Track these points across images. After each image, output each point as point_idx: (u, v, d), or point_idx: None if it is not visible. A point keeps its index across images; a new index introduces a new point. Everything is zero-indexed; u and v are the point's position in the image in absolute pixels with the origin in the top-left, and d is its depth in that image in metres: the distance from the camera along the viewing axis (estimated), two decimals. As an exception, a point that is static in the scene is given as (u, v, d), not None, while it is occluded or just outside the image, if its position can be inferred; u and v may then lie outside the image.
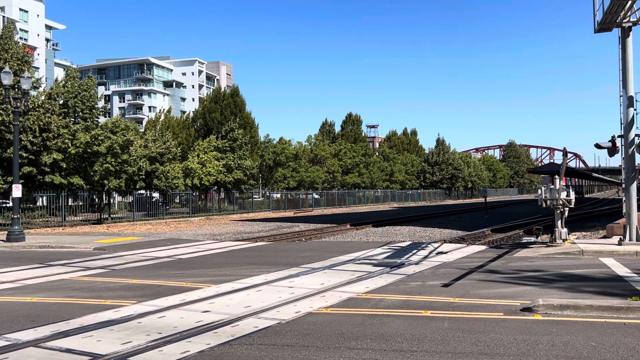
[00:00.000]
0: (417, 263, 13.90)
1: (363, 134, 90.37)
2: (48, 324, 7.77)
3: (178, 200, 49.76)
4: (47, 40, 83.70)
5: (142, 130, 52.31)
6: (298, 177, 61.56)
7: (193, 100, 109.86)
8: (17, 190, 20.67)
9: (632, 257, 14.27)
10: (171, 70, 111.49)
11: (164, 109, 65.62)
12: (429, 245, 18.56)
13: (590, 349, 6.29)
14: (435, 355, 6.15)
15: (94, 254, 17.28)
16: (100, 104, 42.10)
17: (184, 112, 72.45)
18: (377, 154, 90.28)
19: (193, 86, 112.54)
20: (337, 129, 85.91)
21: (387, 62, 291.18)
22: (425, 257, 15.24)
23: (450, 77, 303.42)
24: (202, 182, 43.76)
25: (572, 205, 16.75)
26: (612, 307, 7.97)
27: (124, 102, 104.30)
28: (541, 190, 16.70)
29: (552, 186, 16.47)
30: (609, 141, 16.69)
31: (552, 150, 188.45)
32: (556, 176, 16.93)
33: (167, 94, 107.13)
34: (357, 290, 10.06)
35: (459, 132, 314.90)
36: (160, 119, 59.93)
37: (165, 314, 8.30)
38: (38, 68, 71.42)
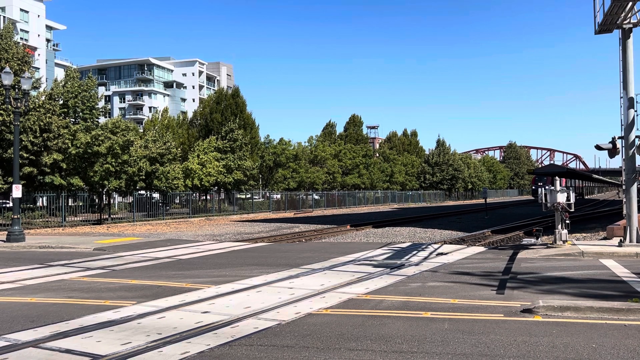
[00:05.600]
0: (417, 264, 13.90)
1: (364, 135, 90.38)
2: (48, 324, 7.76)
3: (178, 201, 49.73)
4: (48, 40, 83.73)
5: (142, 130, 52.25)
6: (298, 178, 61.54)
7: (193, 100, 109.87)
8: (17, 191, 20.66)
9: (633, 259, 14.26)
10: (171, 70, 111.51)
11: (160, 110, 65.68)
12: (429, 247, 18.55)
13: (590, 351, 6.28)
14: (435, 356, 6.14)
15: (94, 254, 17.27)
16: (101, 104, 42.11)
17: (184, 113, 72.41)
18: (377, 154, 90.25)
19: (193, 87, 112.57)
20: (340, 130, 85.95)
21: (387, 63, 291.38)
22: (425, 258, 15.23)
23: (451, 78, 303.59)
24: (202, 182, 43.75)
25: (572, 210, 16.74)
26: (613, 308, 7.96)
27: (124, 102, 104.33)
28: (541, 192, 16.69)
29: (552, 188, 16.47)
30: (610, 142, 16.69)
31: (552, 151, 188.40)
32: (556, 177, 16.92)
33: (168, 95, 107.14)
34: (357, 291, 10.05)
35: (459, 133, 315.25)
36: (158, 119, 59.92)
37: (165, 315, 8.29)
38: (38, 68, 71.44)
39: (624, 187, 17.02)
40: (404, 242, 20.81)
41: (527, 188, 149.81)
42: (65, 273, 13.03)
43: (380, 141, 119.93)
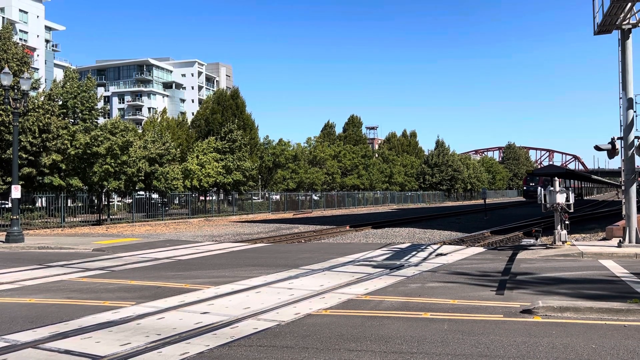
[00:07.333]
0: (416, 265, 13.90)
1: (363, 135, 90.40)
2: (47, 325, 7.75)
3: (177, 202, 49.70)
4: (47, 41, 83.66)
5: (141, 131, 52.25)
6: (297, 179, 61.50)
7: (192, 101, 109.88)
8: (16, 191, 20.65)
9: (632, 259, 14.27)
10: (171, 71, 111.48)
11: (159, 110, 65.71)
12: (428, 247, 18.55)
13: (590, 351, 6.28)
14: (435, 357, 6.14)
15: (93, 255, 17.26)
16: (100, 105, 42.09)
17: (183, 113, 72.33)
18: (376, 155, 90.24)
19: (192, 87, 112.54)
20: (339, 130, 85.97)
21: (386, 63, 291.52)
22: (425, 258, 15.23)
23: (450, 79, 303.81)
24: (202, 183, 43.73)
25: (572, 210, 16.75)
26: (612, 309, 7.96)
27: (123, 103, 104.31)
28: (541, 193, 16.70)
29: (552, 188, 16.47)
30: (609, 143, 16.71)
31: (551, 152, 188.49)
32: (555, 178, 16.93)
33: (167, 95, 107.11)
34: (356, 292, 10.05)
35: (458, 134, 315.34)
36: (157, 120, 59.93)
37: (164, 315, 8.28)
38: (37, 69, 71.41)
39: (623, 187, 17.03)
40: (403, 243, 20.81)
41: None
42: (65, 274, 13.01)
43: (379, 142, 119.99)
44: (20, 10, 76.43)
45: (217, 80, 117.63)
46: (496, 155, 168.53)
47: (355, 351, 6.37)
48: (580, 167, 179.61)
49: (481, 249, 18.09)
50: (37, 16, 79.21)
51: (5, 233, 21.52)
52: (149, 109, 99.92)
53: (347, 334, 7.14)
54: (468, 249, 17.97)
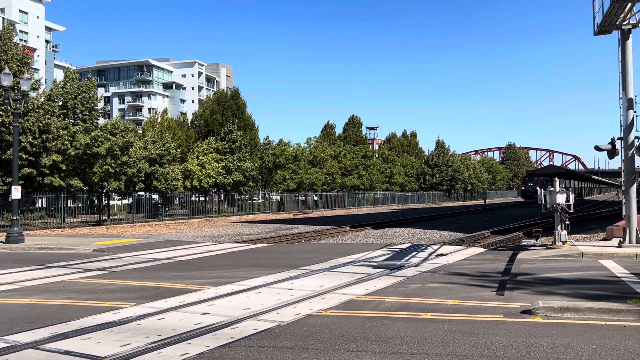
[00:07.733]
0: (416, 265, 13.90)
1: (364, 136, 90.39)
2: (47, 325, 7.75)
3: (177, 202, 49.69)
4: (47, 41, 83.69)
5: (141, 132, 52.25)
6: (297, 179, 61.49)
7: (193, 102, 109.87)
8: (16, 192, 20.65)
9: (632, 260, 14.27)
10: (171, 72, 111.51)
11: (159, 111, 65.73)
12: (428, 247, 18.56)
13: (590, 352, 6.28)
14: (435, 357, 6.14)
15: (93, 255, 17.26)
16: (100, 105, 42.08)
17: (183, 114, 72.27)
18: (376, 155, 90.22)
19: (193, 88, 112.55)
20: (339, 130, 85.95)
21: (386, 63, 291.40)
22: (425, 259, 15.24)
23: (450, 79, 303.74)
24: (202, 183, 43.73)
25: (572, 210, 16.75)
26: (612, 309, 7.96)
27: (123, 103, 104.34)
28: (541, 194, 16.70)
29: (552, 189, 16.47)
30: (609, 143, 16.72)
31: (551, 152, 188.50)
32: (555, 178, 16.93)
33: (167, 96, 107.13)
34: (356, 292, 10.05)
35: (458, 134, 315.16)
36: (157, 121, 59.96)
37: (164, 316, 8.28)
38: (38, 69, 71.44)
39: (623, 188, 17.03)
40: (403, 243, 20.81)
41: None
42: (65, 274, 13.02)
43: (379, 142, 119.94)
44: (21, 11, 76.48)
45: (217, 81, 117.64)
46: (496, 156, 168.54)
47: (356, 352, 6.37)
48: (580, 167, 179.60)
49: (481, 250, 18.10)
50: (37, 17, 79.25)
51: (5, 234, 21.52)
52: (149, 109, 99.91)
53: (348, 334, 7.14)
54: (468, 250, 17.98)
